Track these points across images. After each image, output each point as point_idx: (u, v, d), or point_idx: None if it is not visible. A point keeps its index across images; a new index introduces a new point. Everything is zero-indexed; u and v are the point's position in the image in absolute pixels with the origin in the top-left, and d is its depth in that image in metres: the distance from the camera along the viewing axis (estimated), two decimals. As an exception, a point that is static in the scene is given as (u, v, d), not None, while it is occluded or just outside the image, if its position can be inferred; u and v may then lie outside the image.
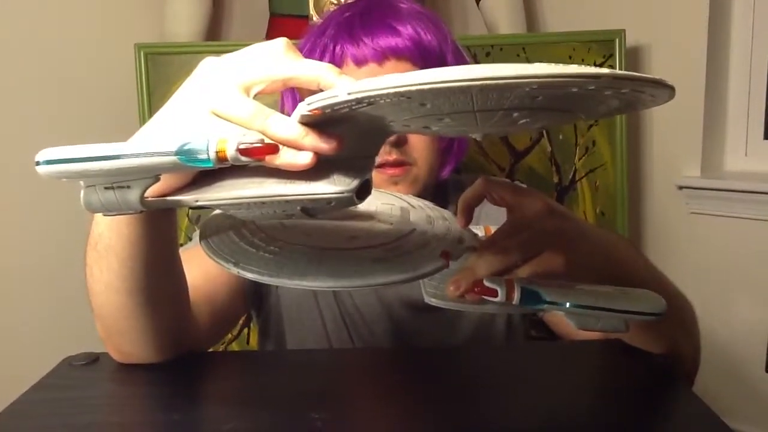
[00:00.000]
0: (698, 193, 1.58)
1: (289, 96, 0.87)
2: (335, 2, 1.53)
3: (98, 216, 0.60)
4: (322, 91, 0.41)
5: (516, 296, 0.51)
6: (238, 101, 0.43)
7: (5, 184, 1.61)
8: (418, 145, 0.83)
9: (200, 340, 0.74)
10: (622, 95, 0.38)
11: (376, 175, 0.84)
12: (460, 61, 0.87)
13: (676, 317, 0.68)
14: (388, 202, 0.62)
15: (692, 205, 1.61)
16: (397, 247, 0.51)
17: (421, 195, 0.85)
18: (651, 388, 0.61)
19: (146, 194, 0.42)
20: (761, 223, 1.51)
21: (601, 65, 1.45)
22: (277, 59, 0.45)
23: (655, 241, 1.70)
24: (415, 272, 0.49)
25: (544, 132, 1.47)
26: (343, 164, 0.42)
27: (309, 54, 0.83)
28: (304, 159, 0.40)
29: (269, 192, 0.41)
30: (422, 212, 0.61)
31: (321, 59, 0.80)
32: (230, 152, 0.38)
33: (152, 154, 0.39)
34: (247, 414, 0.60)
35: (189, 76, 0.47)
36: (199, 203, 0.44)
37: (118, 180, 0.42)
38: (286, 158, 0.40)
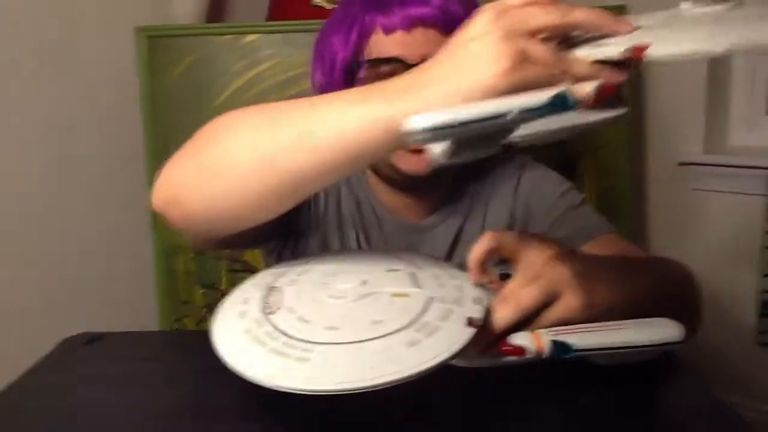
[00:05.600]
0: (700, 170, 1.58)
1: (318, 63, 0.91)
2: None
3: (340, 137, 0.53)
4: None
5: (545, 350, 0.52)
6: (543, 46, 0.48)
7: None
8: None
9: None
10: None
11: (410, 158, 0.85)
12: None
13: (674, 305, 0.69)
14: (392, 267, 0.62)
15: (694, 181, 1.60)
16: (425, 324, 0.51)
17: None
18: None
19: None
20: (764, 198, 1.50)
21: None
22: (557, 7, 0.49)
23: (658, 219, 1.70)
24: (450, 351, 0.49)
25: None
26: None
27: (339, 24, 0.87)
28: (621, 76, 0.46)
29: (576, 121, 0.47)
30: (429, 272, 0.60)
31: (351, 29, 0.85)
32: (591, 94, 0.44)
33: (526, 110, 0.44)
34: (248, 389, 0.61)
35: (475, 26, 0.50)
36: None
37: (482, 136, 0.46)
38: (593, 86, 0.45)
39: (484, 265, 0.60)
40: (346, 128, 0.52)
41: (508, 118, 0.44)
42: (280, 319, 0.53)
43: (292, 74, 1.46)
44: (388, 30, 0.83)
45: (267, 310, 0.55)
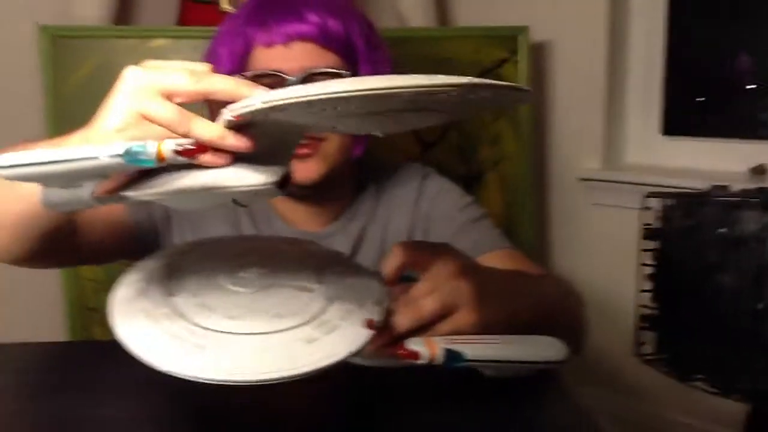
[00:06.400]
0: (598, 185, 1.65)
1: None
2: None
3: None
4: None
5: (438, 357, 0.54)
6: (164, 106, 0.50)
7: None
8: None
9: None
10: (485, 99, 0.46)
11: (297, 166, 0.88)
12: (372, 46, 0.92)
13: (561, 324, 0.73)
14: (299, 259, 0.62)
15: (593, 196, 1.68)
16: (324, 322, 0.53)
17: (333, 173, 0.90)
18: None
19: (97, 191, 0.47)
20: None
21: (505, 61, 1.49)
22: (198, 74, 0.52)
23: (559, 231, 1.77)
24: (346, 351, 0.50)
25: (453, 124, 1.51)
26: (266, 159, 0.47)
27: (225, 36, 0.90)
28: (224, 159, 0.46)
29: (201, 182, 0.46)
30: (334, 269, 0.61)
31: (235, 42, 0.88)
32: (168, 153, 0.44)
33: (99, 158, 0.43)
34: (115, 400, 0.62)
35: (116, 84, 0.53)
36: (140, 197, 0.47)
37: (72, 181, 0.47)
38: (208, 158, 0.46)
39: (397, 279, 0.62)
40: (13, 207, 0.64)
41: (82, 165, 0.44)
42: (181, 302, 0.53)
43: (200, 81, 1.43)
44: (267, 45, 0.86)
45: (168, 291, 0.54)
